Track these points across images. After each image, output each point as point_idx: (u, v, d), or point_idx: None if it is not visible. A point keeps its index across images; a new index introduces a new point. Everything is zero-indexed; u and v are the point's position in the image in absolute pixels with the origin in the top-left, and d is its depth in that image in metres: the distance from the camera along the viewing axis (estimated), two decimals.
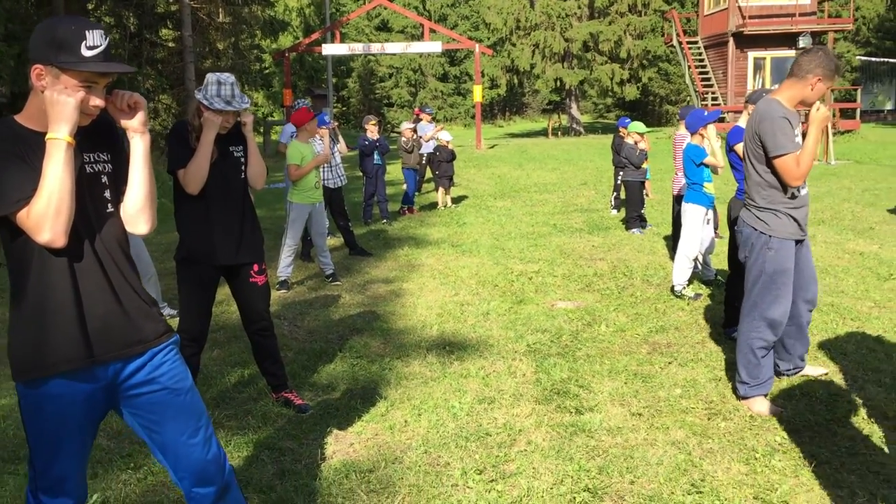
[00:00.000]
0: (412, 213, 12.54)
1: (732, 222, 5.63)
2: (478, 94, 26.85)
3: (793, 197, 4.23)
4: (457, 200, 13.80)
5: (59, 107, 2.09)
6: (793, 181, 4.10)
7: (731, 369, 4.93)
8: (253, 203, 4.39)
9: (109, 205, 2.32)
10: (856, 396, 4.45)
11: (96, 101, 2.19)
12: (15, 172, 2.11)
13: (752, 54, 26.81)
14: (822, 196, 13.10)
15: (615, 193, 11.98)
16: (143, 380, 2.35)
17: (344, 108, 52.05)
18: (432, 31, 27.65)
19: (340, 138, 9.49)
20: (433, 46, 26.95)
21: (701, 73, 28.28)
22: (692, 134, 7.17)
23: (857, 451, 3.75)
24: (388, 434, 4.15)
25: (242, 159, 4.23)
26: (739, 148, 5.67)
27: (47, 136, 2.11)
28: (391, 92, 51.48)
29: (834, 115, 25.70)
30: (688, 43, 29.06)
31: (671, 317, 6.31)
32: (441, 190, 13.26)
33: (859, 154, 21.21)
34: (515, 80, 40.26)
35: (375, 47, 28.88)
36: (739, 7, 26.20)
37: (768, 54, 26.72)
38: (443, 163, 13.00)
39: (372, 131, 11.35)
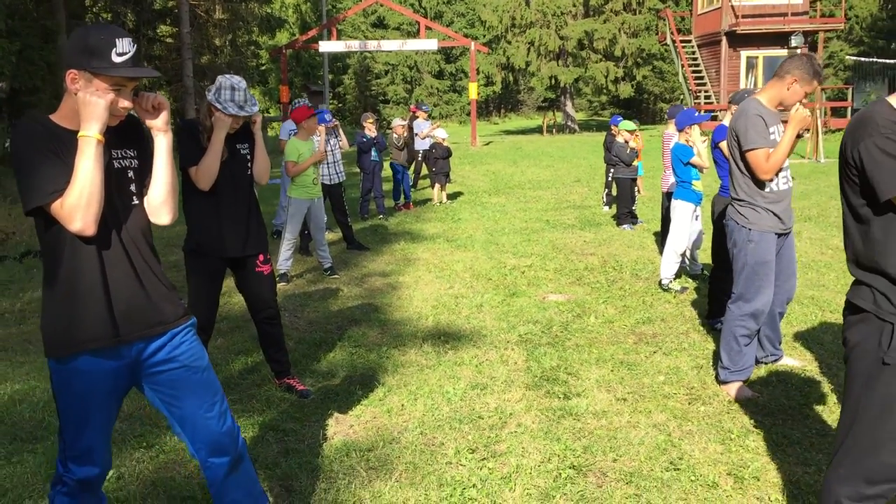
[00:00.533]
0: (409, 209, 12.77)
1: (717, 218, 5.87)
2: (473, 91, 27.06)
3: (771, 191, 4.46)
4: (452, 197, 14.03)
5: (90, 107, 2.30)
6: (762, 175, 4.33)
7: (713, 358, 5.18)
8: (257, 197, 4.62)
9: (135, 197, 2.54)
10: (829, 383, 4.70)
11: (124, 103, 2.41)
12: (50, 167, 2.33)
13: (744, 53, 27.06)
14: (811, 193, 13.37)
15: (606, 190, 12.23)
16: (164, 358, 2.57)
17: (340, 105, 52.21)
18: (428, 28, 27.85)
19: (342, 134, 9.69)
20: (429, 44, 27.15)
21: (694, 71, 28.54)
22: (679, 131, 7.41)
23: (826, 433, 4.00)
24: (385, 417, 4.38)
25: (249, 156, 4.46)
26: (724, 146, 5.90)
27: (80, 134, 2.31)
28: (387, 89, 51.67)
29: (826, 114, 25.97)
30: (681, 41, 29.31)
31: (658, 309, 6.55)
32: (437, 186, 13.48)
33: None
34: (511, 78, 40.48)
35: (372, 44, 29.08)
36: (732, 6, 26.45)
37: (761, 53, 26.97)
38: (439, 160, 13.23)
39: (370, 129, 11.59)
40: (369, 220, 11.74)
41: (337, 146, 9.41)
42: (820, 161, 18.88)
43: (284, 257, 7.74)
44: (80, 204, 2.29)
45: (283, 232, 7.78)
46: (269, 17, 26.71)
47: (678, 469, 3.66)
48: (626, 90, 38.00)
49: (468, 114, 39.15)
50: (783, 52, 26.85)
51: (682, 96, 30.54)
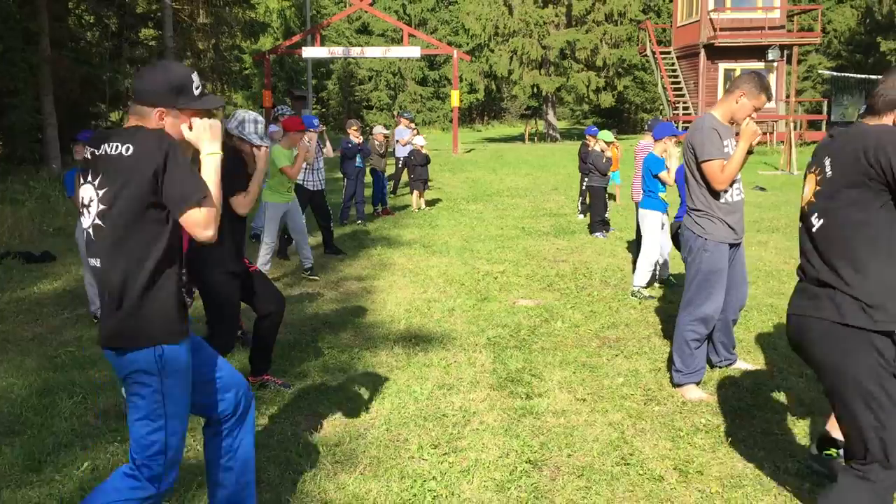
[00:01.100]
0: (388, 214, 12.95)
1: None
2: (455, 98, 27.30)
3: (726, 202, 4.69)
4: (430, 203, 14.22)
5: (214, 130, 2.67)
6: (717, 185, 4.56)
7: (671, 361, 5.39)
8: None
9: None
10: (778, 385, 4.93)
11: None
12: (197, 177, 2.63)
13: (722, 65, 27.50)
14: (781, 205, 13.68)
15: (581, 199, 12.47)
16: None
17: (323, 110, 52.25)
18: (411, 36, 28.08)
19: (327, 141, 9.90)
20: (412, 51, 27.38)
21: (673, 82, 28.95)
22: (656, 141, 7.67)
23: (770, 432, 4.22)
24: (353, 415, 4.56)
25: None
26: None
27: (207, 154, 2.66)
28: (371, 95, 51.80)
29: (800, 127, 26.45)
30: (661, 53, 29.74)
31: (623, 314, 6.77)
32: (415, 192, 13.68)
33: None
34: (493, 86, 40.75)
35: (355, 51, 29.27)
36: (711, 19, 26.89)
37: (738, 66, 27.39)
38: (417, 166, 13.43)
39: (355, 135, 11.84)
40: (348, 225, 11.91)
41: (321, 152, 9.59)
42: (793, 173, 19.25)
43: (263, 261, 7.88)
44: (216, 215, 2.60)
45: (262, 236, 7.94)
46: (253, 21, 26.83)
47: (628, 464, 3.87)
48: (607, 100, 38.34)
49: (451, 121, 39.44)
50: (760, 64, 27.33)
51: (661, 107, 30.95)
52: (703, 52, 27.30)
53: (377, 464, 3.91)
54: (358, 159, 11.84)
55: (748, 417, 4.43)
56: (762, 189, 16.24)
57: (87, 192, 2.60)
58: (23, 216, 11.69)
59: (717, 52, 27.24)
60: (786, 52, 27.20)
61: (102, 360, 5.46)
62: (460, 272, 8.50)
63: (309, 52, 27.01)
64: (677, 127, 26.63)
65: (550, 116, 38.48)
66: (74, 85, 18.66)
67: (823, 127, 28.25)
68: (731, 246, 4.80)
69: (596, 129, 12.46)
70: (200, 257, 4.46)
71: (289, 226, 8.06)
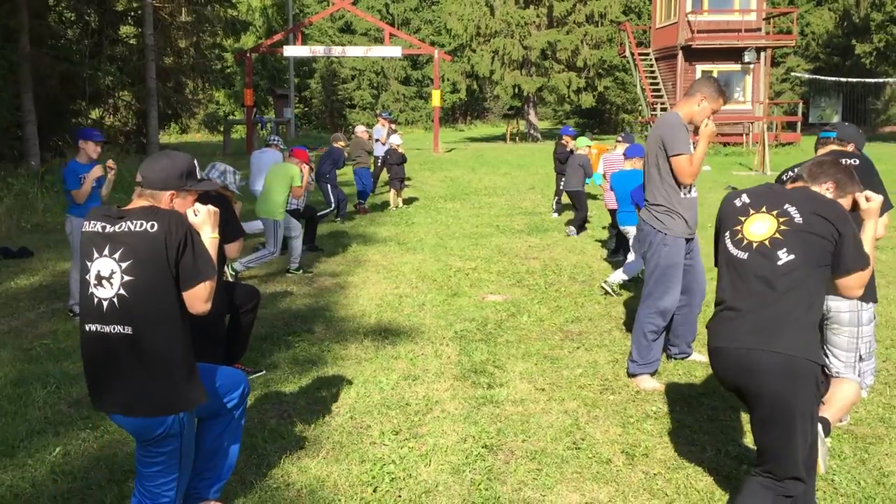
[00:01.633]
0: (364, 213, 13.12)
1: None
2: (436, 98, 27.47)
3: (685, 197, 4.91)
4: (408, 202, 14.37)
5: (215, 217, 3.06)
6: (685, 178, 4.80)
7: (629, 353, 5.59)
8: None
9: None
10: None
11: None
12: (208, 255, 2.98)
13: (700, 67, 27.82)
14: None
15: (557, 198, 12.68)
16: None
17: (306, 109, 52.28)
18: (393, 35, 28.21)
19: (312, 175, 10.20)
20: (393, 51, 27.51)
21: (652, 83, 29.27)
22: (627, 159, 7.96)
23: (716, 418, 4.43)
24: (320, 404, 4.73)
25: None
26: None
27: (209, 237, 3.02)
28: (353, 94, 51.84)
29: (774, 128, 26.84)
30: (640, 54, 30.05)
31: (587, 309, 6.98)
32: (393, 191, 13.85)
33: None
34: (476, 86, 40.95)
35: (336, 50, 29.37)
36: (689, 22, 27.22)
37: (715, 67, 27.76)
38: (393, 165, 13.60)
39: (343, 147, 12.35)
40: (325, 223, 12.05)
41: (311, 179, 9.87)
42: (766, 173, 19.57)
43: (249, 259, 8.01)
44: (214, 292, 2.91)
45: (267, 244, 8.11)
46: (234, 20, 26.85)
47: (579, 448, 4.06)
48: (587, 100, 38.64)
49: (433, 120, 39.61)
50: (737, 66, 27.72)
51: (641, 108, 31.27)
52: (680, 53, 27.62)
53: (339, 449, 4.08)
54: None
55: (697, 405, 4.64)
56: (734, 188, 16.51)
57: (106, 265, 2.81)
58: (1, 212, 11.74)
59: (694, 54, 27.57)
60: (762, 54, 27.57)
61: (76, 353, 5.60)
62: (433, 268, 8.67)
63: (290, 51, 27.09)
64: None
65: (532, 116, 38.73)
66: (54, 82, 18.64)
67: (798, 128, 28.67)
68: (687, 240, 5.02)
69: (572, 129, 12.70)
70: None
71: (286, 227, 8.33)
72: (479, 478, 3.76)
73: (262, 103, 43.07)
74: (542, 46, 35.66)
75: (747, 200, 3.08)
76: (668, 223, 4.91)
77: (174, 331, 2.83)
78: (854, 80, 34.61)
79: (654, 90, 29.11)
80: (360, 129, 14.16)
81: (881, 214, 3.93)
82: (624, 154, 8.54)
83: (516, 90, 37.43)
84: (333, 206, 12.07)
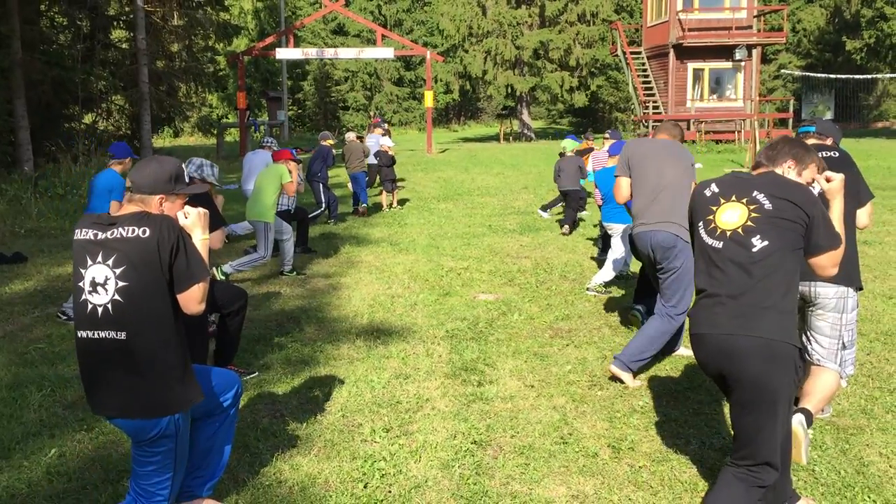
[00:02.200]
0: (362, 216, 13.17)
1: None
2: (429, 99, 27.55)
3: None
4: (401, 202, 14.43)
5: (205, 219, 3.14)
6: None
7: (618, 349, 5.67)
8: None
9: None
10: None
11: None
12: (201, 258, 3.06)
13: (691, 65, 27.97)
14: None
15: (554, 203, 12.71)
16: None
17: (299, 111, 52.31)
18: (385, 37, 28.27)
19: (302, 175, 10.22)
20: (385, 52, 27.57)
21: (644, 82, 29.38)
22: (611, 157, 8.01)
23: (701, 412, 4.51)
24: (312, 403, 4.79)
25: None
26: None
27: (200, 239, 3.08)
28: (347, 95, 51.90)
29: (765, 125, 26.96)
30: (632, 53, 30.15)
31: (577, 307, 7.05)
32: (385, 193, 13.92)
33: None
34: (468, 86, 41.04)
35: (329, 52, 29.42)
36: (680, 20, 27.33)
37: (707, 65, 27.91)
38: (383, 167, 13.68)
39: (331, 144, 12.35)
40: (319, 224, 12.12)
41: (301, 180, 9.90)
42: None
43: (240, 263, 8.07)
44: (207, 291, 2.99)
45: (258, 247, 8.14)
46: (226, 23, 26.89)
47: (566, 443, 4.14)
48: (580, 99, 38.77)
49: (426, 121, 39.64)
50: (728, 64, 27.84)
51: (633, 106, 31.38)
52: (672, 52, 27.74)
53: (331, 446, 4.15)
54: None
55: (682, 399, 4.72)
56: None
57: (101, 272, 2.86)
58: None
59: (685, 52, 27.69)
60: (753, 51, 27.70)
61: (70, 356, 5.66)
62: (425, 269, 8.74)
63: (283, 54, 27.15)
64: (647, 126, 27.07)
65: (525, 116, 38.85)
66: (46, 87, 18.68)
67: (790, 125, 28.79)
68: None
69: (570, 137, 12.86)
70: None
71: (277, 230, 8.36)
72: (467, 473, 3.83)
73: (255, 106, 43.14)
74: (535, 46, 35.77)
75: (716, 190, 3.14)
76: (686, 236, 5.18)
77: (168, 333, 2.89)
78: (845, 76, 34.78)
79: (646, 88, 29.21)
80: (351, 136, 14.23)
81: (864, 205, 4.03)
82: (608, 151, 8.61)
83: (509, 90, 37.54)
84: (324, 206, 12.11)
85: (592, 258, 9.20)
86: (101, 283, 2.85)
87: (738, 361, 2.91)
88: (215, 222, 4.87)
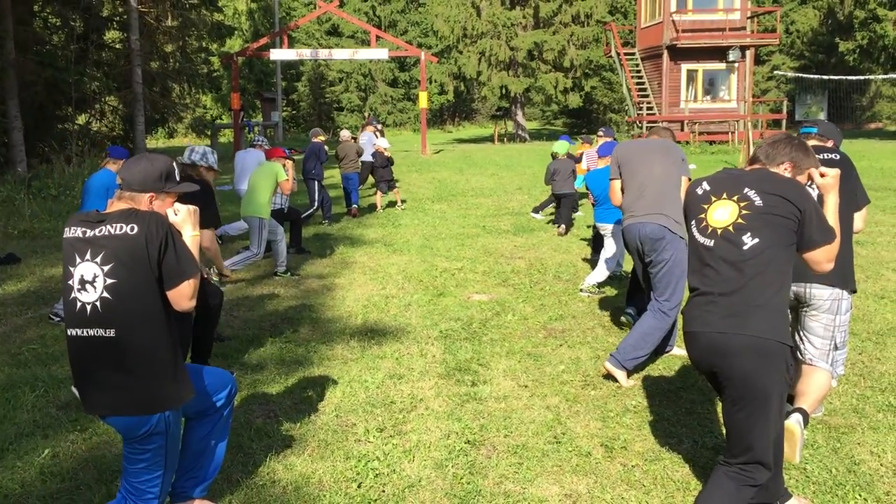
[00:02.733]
0: (354, 216, 13.17)
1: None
2: (423, 100, 27.55)
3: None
4: (393, 203, 14.40)
5: (195, 216, 3.14)
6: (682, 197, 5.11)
7: (611, 349, 5.68)
8: None
9: None
10: None
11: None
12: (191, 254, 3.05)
13: (685, 66, 28.04)
14: None
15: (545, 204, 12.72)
16: None
17: (294, 112, 52.26)
18: (379, 38, 28.28)
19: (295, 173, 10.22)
20: (380, 53, 27.58)
21: (638, 83, 29.45)
22: (600, 157, 8.04)
23: (693, 411, 4.53)
24: (306, 403, 4.80)
25: None
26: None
27: (192, 234, 3.11)
28: (341, 96, 51.88)
29: (759, 126, 27.05)
30: (626, 54, 30.22)
31: (571, 307, 7.07)
32: (378, 194, 13.92)
33: None
34: (463, 87, 41.08)
35: (323, 53, 29.42)
36: (673, 21, 27.39)
37: (700, 66, 27.99)
38: (379, 168, 13.69)
39: (322, 140, 12.35)
40: (312, 225, 12.11)
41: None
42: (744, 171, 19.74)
43: (233, 261, 8.06)
44: (197, 288, 2.97)
45: (251, 245, 8.14)
46: (220, 24, 26.86)
47: (559, 442, 4.15)
48: (574, 100, 38.85)
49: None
50: (721, 65, 27.92)
51: (627, 107, 31.43)
52: (665, 53, 27.81)
53: (325, 446, 4.16)
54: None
55: (675, 399, 4.74)
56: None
57: (89, 270, 2.86)
58: None
59: (679, 53, 27.76)
60: (746, 52, 27.79)
61: (64, 357, 5.65)
62: (419, 269, 8.75)
63: (277, 55, 27.12)
64: (641, 127, 27.14)
65: (519, 117, 38.88)
66: (40, 88, 18.62)
67: (784, 126, 28.88)
68: None
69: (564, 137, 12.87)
70: None
71: (270, 230, 8.36)
72: (461, 472, 3.84)
73: (249, 107, 43.07)
74: (529, 47, 35.82)
75: (708, 188, 3.15)
76: (682, 232, 5.21)
77: (158, 330, 2.89)
78: (838, 77, 34.90)
79: (640, 89, 29.28)
80: (346, 134, 14.21)
81: (859, 209, 4.05)
82: (597, 152, 8.63)
83: (503, 91, 37.57)
84: (317, 205, 12.06)
85: (585, 259, 9.22)
86: (90, 280, 2.85)
87: (730, 359, 2.92)
88: (210, 218, 4.88)
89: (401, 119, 52.50)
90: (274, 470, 3.88)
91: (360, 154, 13.42)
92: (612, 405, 4.67)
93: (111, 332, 2.83)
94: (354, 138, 14.06)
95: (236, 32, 39.84)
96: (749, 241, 2.94)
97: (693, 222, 3.15)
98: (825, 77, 34.13)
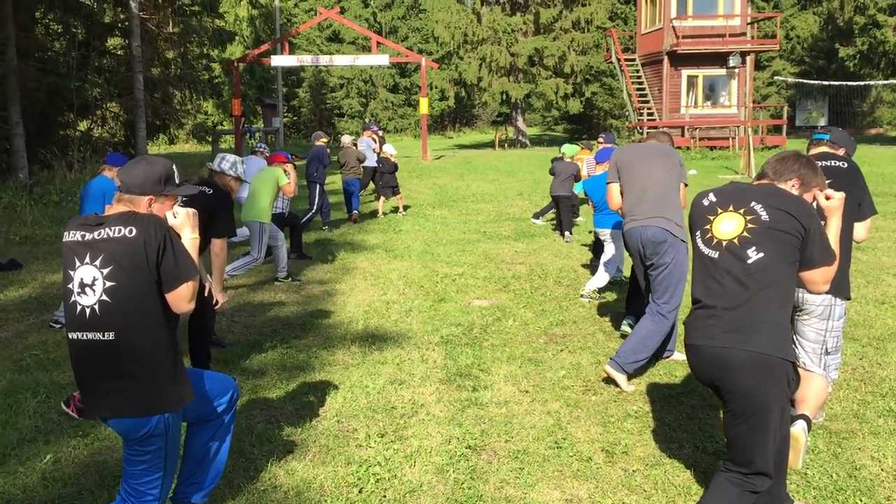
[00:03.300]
0: (355, 222, 13.19)
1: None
2: (424, 106, 27.60)
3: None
4: (396, 209, 14.42)
5: (194, 218, 3.14)
6: (684, 203, 5.22)
7: (612, 354, 5.68)
8: None
9: None
10: None
11: None
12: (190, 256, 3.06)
13: (685, 72, 28.08)
14: None
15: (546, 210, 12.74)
16: None
17: (295, 118, 52.33)
18: (380, 44, 28.34)
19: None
20: (380, 59, 27.63)
21: (638, 89, 29.49)
22: (598, 163, 8.06)
23: (695, 416, 4.53)
24: (307, 408, 4.80)
25: None
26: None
27: (191, 237, 3.12)
28: (342, 102, 51.93)
29: (759, 132, 27.09)
30: (626, 60, 30.27)
31: (572, 312, 7.08)
32: (381, 199, 13.94)
33: None
34: (464, 93, 41.13)
35: (324, 59, 29.46)
36: (674, 27, 27.45)
37: (700, 72, 28.03)
38: (385, 174, 13.71)
39: (324, 143, 12.37)
40: (313, 231, 12.13)
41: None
42: (750, 176, 19.76)
43: (234, 267, 8.07)
44: (196, 290, 2.97)
45: (252, 250, 8.12)
46: (221, 30, 26.92)
47: (560, 447, 4.16)
48: (575, 106, 38.89)
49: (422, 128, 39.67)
50: (722, 71, 27.97)
51: (628, 113, 31.47)
52: (666, 58, 27.85)
53: (326, 452, 4.16)
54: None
55: (676, 404, 4.74)
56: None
57: (88, 273, 2.86)
58: None
59: (679, 59, 27.81)
60: (747, 58, 27.84)
61: (66, 362, 5.66)
62: (420, 275, 8.76)
63: (277, 61, 27.18)
64: (642, 132, 27.19)
65: (520, 123, 38.92)
66: (42, 95, 18.66)
67: (784, 131, 28.93)
68: None
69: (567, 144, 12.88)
70: None
71: (271, 235, 8.36)
72: (462, 477, 3.85)
73: (250, 113, 43.11)
74: (530, 53, 35.86)
75: (714, 199, 3.14)
76: (683, 234, 5.25)
77: (157, 333, 2.90)
78: (839, 83, 34.95)
79: (641, 95, 29.32)
80: (347, 140, 14.23)
81: (864, 219, 4.05)
82: (595, 159, 8.65)
83: (504, 97, 37.62)
84: (315, 208, 12.05)
85: (584, 265, 9.23)
86: (89, 283, 2.85)
87: (732, 374, 2.92)
88: (224, 227, 4.91)
89: (402, 125, 52.56)
90: (275, 475, 3.89)
91: (361, 160, 13.46)
92: (613, 410, 4.67)
93: (110, 335, 2.84)
94: (355, 144, 14.08)
95: (237, 39, 39.93)
96: (754, 255, 2.94)
97: (698, 233, 3.15)
98: (826, 83, 34.19)
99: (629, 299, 6.38)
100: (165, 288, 2.89)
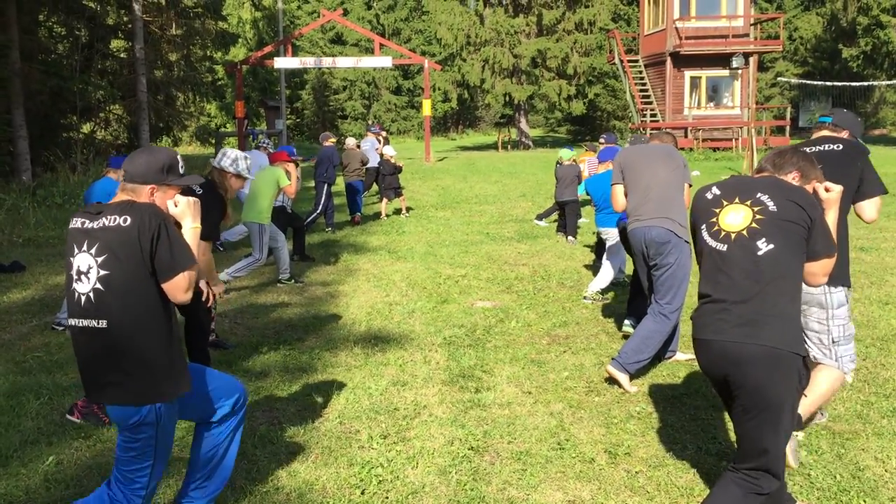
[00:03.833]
0: (357, 224, 13.18)
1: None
2: (427, 108, 27.61)
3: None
4: (399, 210, 14.42)
5: (195, 207, 3.10)
6: (688, 204, 5.13)
7: (615, 355, 5.67)
8: None
9: None
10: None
11: None
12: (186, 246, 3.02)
13: (688, 73, 28.05)
14: None
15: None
16: None
17: (298, 120, 52.37)
18: (383, 46, 28.36)
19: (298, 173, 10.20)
20: (383, 61, 27.66)
21: (641, 90, 29.47)
22: (601, 162, 8.04)
23: (698, 417, 4.52)
24: (310, 410, 4.80)
25: None
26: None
27: (192, 226, 3.07)
28: (345, 104, 51.95)
29: (763, 132, 27.04)
30: (629, 61, 30.25)
31: (575, 314, 7.07)
32: (385, 201, 13.93)
33: None
34: (466, 95, 41.13)
35: (326, 61, 29.50)
36: (676, 28, 27.43)
37: (704, 73, 28.00)
38: (387, 176, 13.71)
39: (333, 143, 12.45)
40: (316, 232, 12.13)
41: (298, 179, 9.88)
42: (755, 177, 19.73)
43: (236, 268, 8.06)
44: (195, 279, 2.95)
45: (253, 252, 8.10)
46: (224, 33, 26.96)
47: (563, 448, 4.15)
48: (578, 107, 38.89)
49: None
50: (725, 72, 27.93)
51: (631, 114, 31.45)
52: (669, 60, 27.83)
53: (328, 453, 4.16)
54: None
55: (679, 405, 4.73)
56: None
57: (85, 261, 2.87)
58: None
59: (682, 60, 27.78)
60: (750, 59, 27.80)
61: (69, 364, 5.66)
62: (423, 276, 8.76)
63: (280, 63, 27.21)
64: (645, 133, 27.17)
65: (523, 124, 38.93)
66: (45, 97, 18.70)
67: (787, 132, 28.88)
68: None
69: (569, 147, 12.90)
70: None
71: (272, 236, 8.34)
72: (464, 479, 3.84)
73: (253, 115, 43.20)
74: (532, 55, 35.87)
75: (718, 192, 3.11)
76: (688, 237, 5.25)
77: (152, 323, 2.88)
78: (842, 83, 34.90)
79: (644, 96, 29.30)
80: (351, 142, 14.22)
81: (868, 198, 4.02)
82: (598, 158, 8.65)
83: (507, 98, 37.64)
84: (320, 209, 12.04)
85: (586, 266, 9.22)
86: (85, 271, 2.86)
87: (743, 368, 2.88)
88: (209, 230, 4.86)
89: (404, 127, 52.59)
90: (278, 476, 3.88)
91: (364, 163, 13.43)
92: (616, 411, 4.66)
93: (103, 324, 2.84)
94: (358, 146, 14.08)
95: (240, 41, 40.00)
96: (764, 246, 2.90)
97: (704, 227, 3.09)
98: (829, 83, 34.14)
99: (631, 300, 6.37)
100: (161, 278, 2.87)
